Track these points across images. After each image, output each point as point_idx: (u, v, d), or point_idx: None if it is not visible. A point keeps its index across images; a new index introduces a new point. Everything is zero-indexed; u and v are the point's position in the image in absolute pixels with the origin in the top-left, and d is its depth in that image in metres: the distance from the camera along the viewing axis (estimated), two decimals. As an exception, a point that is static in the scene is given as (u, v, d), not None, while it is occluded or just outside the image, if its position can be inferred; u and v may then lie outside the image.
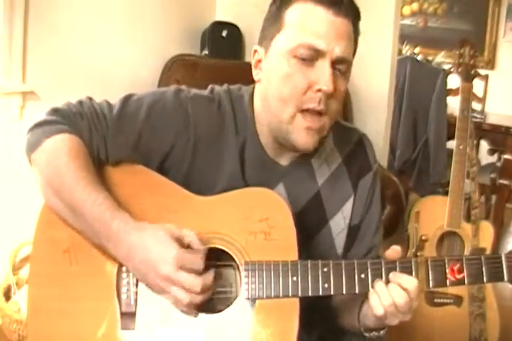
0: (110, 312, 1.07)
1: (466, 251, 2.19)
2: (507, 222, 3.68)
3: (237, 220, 1.10)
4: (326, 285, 1.06)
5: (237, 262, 1.09)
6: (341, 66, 1.10)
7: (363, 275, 1.07)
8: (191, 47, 2.83)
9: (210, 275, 1.04)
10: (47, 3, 2.17)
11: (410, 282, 1.05)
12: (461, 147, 2.20)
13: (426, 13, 5.08)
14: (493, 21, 4.80)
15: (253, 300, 1.07)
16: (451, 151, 2.33)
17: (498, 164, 3.68)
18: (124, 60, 2.53)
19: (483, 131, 3.65)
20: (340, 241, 1.24)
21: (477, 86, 3.28)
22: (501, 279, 1.09)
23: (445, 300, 2.14)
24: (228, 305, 1.08)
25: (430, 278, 1.07)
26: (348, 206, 1.24)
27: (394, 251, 1.08)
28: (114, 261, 1.08)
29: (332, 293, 1.06)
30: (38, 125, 1.14)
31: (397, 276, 1.06)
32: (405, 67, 3.53)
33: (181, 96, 1.18)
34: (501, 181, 3.52)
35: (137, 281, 1.08)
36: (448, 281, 1.08)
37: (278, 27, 1.12)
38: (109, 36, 2.45)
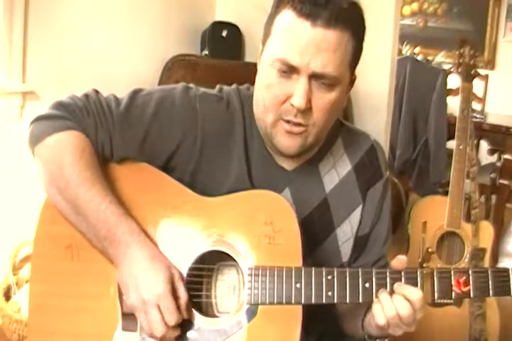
0: (110, 312, 1.07)
1: (466, 251, 2.19)
2: (507, 222, 3.67)
3: (241, 222, 1.08)
4: (330, 293, 1.04)
5: (240, 266, 1.07)
6: (322, 80, 1.05)
7: (367, 285, 1.05)
8: (191, 47, 2.83)
9: (175, 333, 1.02)
10: (47, 3, 2.17)
11: (415, 294, 1.03)
12: (461, 147, 2.20)
13: (426, 13, 5.08)
14: (493, 21, 4.79)
15: (255, 305, 1.05)
16: (451, 151, 2.33)
17: (498, 164, 3.67)
18: (124, 60, 2.53)
19: (483, 131, 3.65)
20: (346, 249, 1.21)
21: (477, 86, 3.28)
22: (508, 294, 1.07)
23: (445, 300, 2.14)
24: (230, 310, 1.07)
25: (436, 289, 1.06)
26: (356, 215, 1.21)
27: (399, 261, 1.07)
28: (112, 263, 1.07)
29: (335, 301, 1.05)
30: (43, 118, 1.11)
31: (401, 287, 1.04)
32: (405, 67, 3.53)
33: (190, 93, 1.15)
34: (501, 181, 3.52)
35: None
36: (453, 294, 1.06)
37: (268, 33, 1.09)
38: (109, 36, 2.45)
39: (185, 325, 1.04)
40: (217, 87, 1.21)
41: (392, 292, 1.04)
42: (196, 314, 1.06)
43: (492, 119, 3.85)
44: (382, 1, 2.73)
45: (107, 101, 1.13)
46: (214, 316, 1.07)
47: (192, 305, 1.05)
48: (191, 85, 1.18)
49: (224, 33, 2.81)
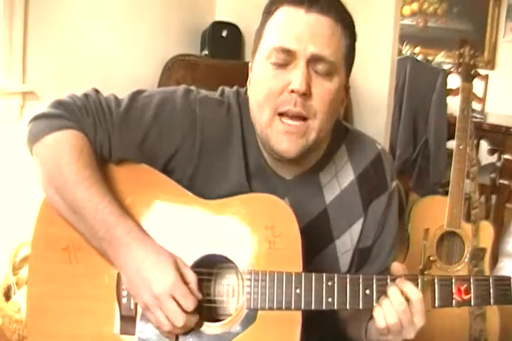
0: (108, 314, 1.06)
1: (466, 251, 2.19)
2: (507, 222, 3.67)
3: (241, 226, 1.07)
4: (330, 299, 1.03)
5: (240, 270, 1.06)
6: (320, 65, 1.04)
7: (367, 292, 1.04)
8: (191, 47, 2.83)
9: (195, 318, 1.02)
10: (47, 3, 2.17)
11: (414, 292, 1.02)
12: (461, 147, 2.19)
13: (426, 13, 5.08)
14: (493, 21, 4.79)
15: (254, 310, 1.04)
16: (451, 151, 2.33)
17: (498, 164, 3.67)
18: (124, 60, 2.53)
19: (483, 131, 3.65)
20: (345, 260, 1.19)
21: (477, 86, 3.27)
22: (509, 302, 1.06)
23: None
24: (229, 315, 1.06)
25: (436, 297, 1.05)
26: (356, 227, 1.18)
27: (399, 267, 1.06)
28: (113, 263, 1.06)
29: (335, 307, 1.04)
30: (41, 117, 1.10)
31: (403, 282, 1.04)
32: (405, 67, 3.53)
33: (190, 97, 1.14)
34: (501, 181, 3.52)
35: None
36: (454, 301, 1.05)
37: (259, 39, 1.09)
38: (109, 36, 2.45)
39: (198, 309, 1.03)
40: (220, 89, 1.19)
41: None
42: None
43: (492, 119, 3.85)
44: (382, 1, 2.73)
45: (106, 102, 1.12)
46: (213, 320, 1.06)
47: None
48: (192, 88, 1.17)
49: (224, 33, 2.81)
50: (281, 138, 1.05)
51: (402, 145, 3.54)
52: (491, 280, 1.06)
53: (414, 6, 5.11)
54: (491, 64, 4.82)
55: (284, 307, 1.03)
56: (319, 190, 1.17)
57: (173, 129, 1.11)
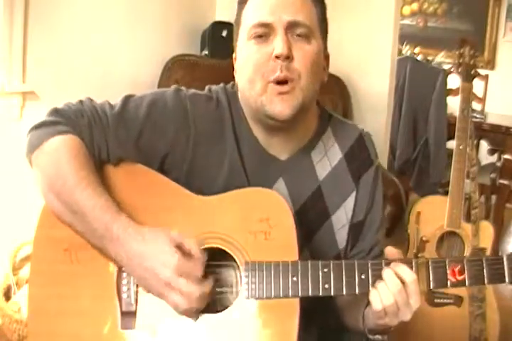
0: (110, 311, 1.07)
1: (466, 251, 2.19)
2: (507, 222, 3.67)
3: (237, 220, 1.10)
4: (327, 285, 1.06)
5: (238, 262, 1.08)
6: (298, 30, 1.12)
7: (363, 276, 1.06)
8: (191, 47, 2.83)
9: (209, 283, 1.04)
10: (47, 4, 2.17)
11: (408, 274, 1.05)
12: (461, 147, 2.19)
13: (426, 13, 5.08)
14: (493, 21, 4.80)
15: (253, 300, 1.06)
16: (451, 151, 2.33)
17: (498, 164, 3.68)
18: (124, 60, 2.53)
19: (483, 131, 3.65)
20: (341, 236, 1.24)
21: (477, 86, 3.28)
22: (503, 281, 1.08)
23: (445, 300, 2.14)
24: (228, 305, 1.08)
25: (431, 278, 1.07)
26: (350, 201, 1.24)
27: (393, 251, 1.08)
28: (115, 260, 1.08)
29: (332, 293, 1.06)
30: (39, 126, 1.14)
31: (397, 265, 1.06)
32: (405, 67, 3.53)
33: (181, 95, 1.20)
34: (501, 181, 3.52)
35: None
36: (449, 282, 1.07)
37: (238, 27, 1.17)
38: (109, 36, 2.45)
39: (182, 321, 1.05)
40: (207, 87, 1.25)
41: None
42: None
43: (492, 119, 3.85)
44: (382, 1, 2.73)
45: (101, 106, 1.16)
46: (213, 312, 1.08)
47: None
48: (182, 87, 1.23)
49: (224, 33, 2.81)
50: (275, 101, 1.11)
51: (402, 145, 3.54)
52: (484, 261, 1.08)
53: (414, 6, 5.11)
54: (491, 64, 4.83)
55: (281, 295, 1.06)
56: (312, 169, 1.23)
57: (166, 126, 1.16)
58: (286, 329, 1.05)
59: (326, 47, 1.20)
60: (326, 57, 1.21)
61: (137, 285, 1.08)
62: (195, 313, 1.05)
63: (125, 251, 1.04)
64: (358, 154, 1.26)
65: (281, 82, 1.10)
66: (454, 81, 3.07)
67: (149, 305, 1.07)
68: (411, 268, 1.06)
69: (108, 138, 1.13)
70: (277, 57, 1.09)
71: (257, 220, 1.09)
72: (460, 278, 1.07)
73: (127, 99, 1.18)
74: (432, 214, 2.21)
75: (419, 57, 3.83)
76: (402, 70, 3.45)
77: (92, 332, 1.07)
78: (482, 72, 4.10)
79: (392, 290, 1.04)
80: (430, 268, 1.07)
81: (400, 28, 2.89)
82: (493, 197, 3.74)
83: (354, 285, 1.06)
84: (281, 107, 1.11)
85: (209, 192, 1.13)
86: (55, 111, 1.15)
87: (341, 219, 1.23)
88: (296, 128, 1.18)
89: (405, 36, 4.12)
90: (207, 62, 2.71)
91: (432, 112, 3.47)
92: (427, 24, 5.08)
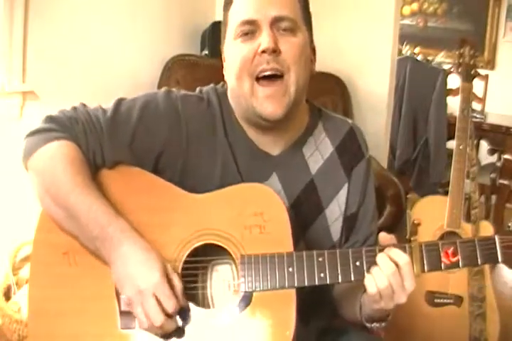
0: (110, 311, 1.08)
1: (466, 251, 2.19)
2: (507, 222, 3.67)
3: (231, 215, 1.11)
4: (322, 274, 1.07)
5: (233, 256, 1.09)
6: (283, 24, 1.13)
7: (357, 263, 1.07)
8: (191, 47, 2.83)
9: (173, 323, 1.04)
10: (47, 3, 2.17)
11: (401, 256, 1.05)
12: (461, 147, 2.19)
13: (426, 13, 5.08)
14: (493, 21, 4.79)
15: (250, 292, 1.07)
16: (451, 151, 2.33)
17: (498, 164, 3.68)
18: (124, 60, 2.53)
19: (483, 131, 3.65)
20: (336, 228, 1.25)
21: (477, 86, 3.28)
22: (496, 261, 1.10)
23: (445, 300, 2.14)
24: (226, 299, 1.09)
25: (425, 262, 1.08)
26: (342, 194, 1.25)
27: (387, 237, 1.09)
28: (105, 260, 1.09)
29: (328, 282, 1.07)
30: (34, 133, 1.16)
31: (390, 250, 1.07)
32: (405, 67, 3.53)
33: (172, 96, 1.21)
34: (501, 181, 3.52)
35: None
36: (443, 264, 1.08)
37: (225, 27, 1.20)
38: (109, 36, 2.45)
39: (181, 316, 1.06)
40: (197, 89, 1.27)
41: None
42: (192, 306, 1.07)
43: (492, 119, 3.85)
44: (382, 1, 2.73)
45: (94, 112, 1.18)
46: (210, 307, 1.09)
47: (188, 297, 1.07)
48: (173, 89, 1.25)
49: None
50: (265, 103, 1.13)
51: (402, 145, 3.54)
52: (476, 242, 1.09)
53: (414, 6, 5.11)
54: (491, 64, 4.82)
55: (278, 286, 1.07)
56: (304, 163, 1.24)
57: (159, 127, 1.17)
58: (284, 319, 1.06)
59: (312, 40, 1.22)
60: (313, 49, 1.23)
61: None
62: (154, 332, 1.05)
63: (116, 251, 1.05)
64: (350, 147, 1.27)
65: (270, 76, 1.12)
66: (454, 81, 3.07)
67: None
68: (404, 251, 1.07)
69: (102, 144, 1.15)
70: (264, 51, 1.11)
71: (251, 214, 1.11)
72: (454, 259, 1.08)
73: (119, 102, 1.20)
74: (432, 214, 2.21)
75: (419, 57, 3.84)
76: (402, 70, 3.45)
77: (92, 332, 1.08)
78: (482, 72, 4.10)
79: (386, 273, 1.04)
80: (424, 251, 1.08)
81: (400, 28, 2.89)
82: (493, 197, 3.74)
83: (349, 272, 1.07)
84: (272, 108, 1.13)
85: (203, 190, 1.15)
86: (50, 119, 1.16)
87: (335, 211, 1.25)
88: (287, 125, 1.20)
89: (405, 36, 4.12)
90: (207, 62, 2.71)
91: (432, 112, 3.47)
92: (427, 24, 5.08)
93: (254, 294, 1.07)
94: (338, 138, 1.27)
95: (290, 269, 1.07)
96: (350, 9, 2.74)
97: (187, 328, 1.06)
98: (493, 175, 3.65)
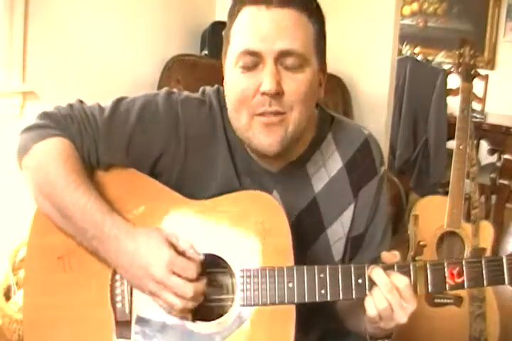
0: (105, 320, 1.06)
1: (466, 251, 2.19)
2: (507, 222, 3.67)
3: (231, 224, 1.08)
4: (323, 291, 1.04)
5: (232, 268, 1.06)
6: (290, 60, 1.02)
7: (360, 281, 1.04)
8: (191, 47, 2.83)
9: (201, 283, 1.02)
10: (47, 3, 2.17)
11: (401, 280, 1.02)
12: (461, 147, 2.19)
13: (426, 13, 5.08)
14: (493, 21, 4.79)
15: (249, 307, 1.04)
16: (451, 151, 2.33)
17: (498, 164, 3.67)
18: (124, 60, 2.53)
19: (483, 131, 3.65)
20: (337, 249, 1.19)
21: (477, 86, 3.27)
22: (502, 282, 1.06)
23: (445, 300, 2.14)
24: (224, 313, 1.06)
25: (429, 282, 1.05)
26: (347, 214, 1.18)
27: (392, 254, 1.06)
28: (108, 268, 1.07)
29: (329, 299, 1.04)
30: (28, 129, 1.13)
31: (389, 272, 1.04)
32: (405, 67, 3.53)
33: (172, 99, 1.15)
34: (501, 181, 3.52)
35: (131, 290, 1.06)
36: (447, 285, 1.05)
37: (227, 42, 1.09)
38: (109, 36, 2.45)
39: (177, 329, 1.04)
40: (201, 89, 1.20)
41: None
42: (188, 322, 1.05)
43: (492, 119, 3.85)
44: (382, 1, 2.73)
45: (91, 110, 1.13)
46: (207, 319, 1.06)
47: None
48: (174, 90, 1.18)
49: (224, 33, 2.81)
50: (262, 134, 1.05)
51: (402, 145, 3.54)
52: (483, 262, 1.06)
53: (414, 6, 5.11)
54: (491, 64, 4.82)
55: (277, 301, 1.04)
56: (307, 181, 1.17)
57: (157, 131, 1.13)
58: (282, 335, 1.03)
59: (323, 62, 1.11)
60: (324, 71, 1.12)
61: (131, 295, 1.06)
62: (189, 313, 1.03)
63: (116, 250, 1.03)
64: (361, 162, 1.18)
65: (271, 114, 1.04)
66: (454, 81, 3.06)
67: (144, 315, 1.06)
68: (409, 271, 1.04)
69: (98, 144, 1.11)
70: (265, 93, 1.02)
71: (253, 223, 1.07)
72: (459, 280, 1.05)
73: (118, 102, 1.15)
74: (431, 214, 2.21)
75: (419, 57, 3.83)
76: (402, 70, 3.45)
77: (88, 339, 1.06)
78: (482, 72, 4.09)
79: (386, 295, 1.01)
80: (428, 271, 1.05)
81: (400, 28, 2.89)
82: (493, 197, 3.73)
83: (351, 290, 1.04)
84: (268, 141, 1.05)
85: (200, 196, 1.11)
86: (45, 115, 1.13)
87: (337, 232, 1.18)
88: (289, 148, 1.11)
89: (405, 36, 4.12)
90: (207, 62, 2.71)
91: (432, 112, 3.47)
92: (427, 24, 5.08)
93: (252, 309, 1.04)
94: (349, 152, 1.18)
95: (290, 284, 1.03)
96: (351, 9, 2.73)
97: None
98: (493, 175, 3.64)
